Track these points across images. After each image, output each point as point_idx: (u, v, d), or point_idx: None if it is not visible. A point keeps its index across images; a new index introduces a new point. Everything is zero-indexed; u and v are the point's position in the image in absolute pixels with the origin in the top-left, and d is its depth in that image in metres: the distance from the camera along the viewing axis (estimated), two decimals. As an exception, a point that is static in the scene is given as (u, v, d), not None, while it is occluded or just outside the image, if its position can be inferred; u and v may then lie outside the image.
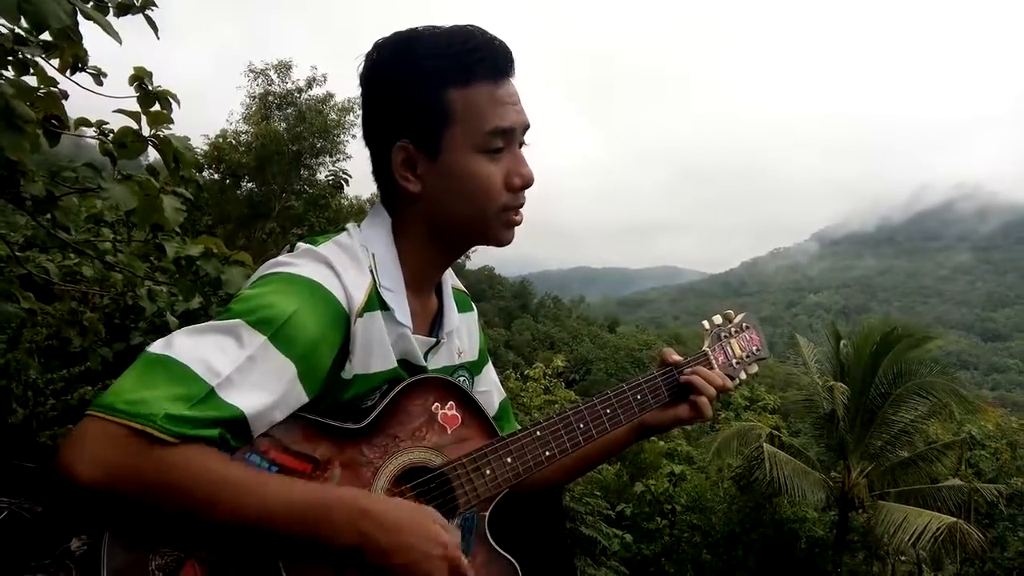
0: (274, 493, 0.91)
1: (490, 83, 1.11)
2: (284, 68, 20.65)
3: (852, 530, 13.06)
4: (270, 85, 20.69)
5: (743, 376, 1.53)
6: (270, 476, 0.95)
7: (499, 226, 1.16)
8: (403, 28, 1.16)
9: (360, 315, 1.06)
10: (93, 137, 1.97)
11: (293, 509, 0.91)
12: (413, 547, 0.96)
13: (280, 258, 1.10)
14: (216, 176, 19.18)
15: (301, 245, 1.12)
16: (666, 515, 12.48)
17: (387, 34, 1.16)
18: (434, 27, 1.14)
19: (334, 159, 20.00)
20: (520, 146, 1.17)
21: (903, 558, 13.35)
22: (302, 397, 1.00)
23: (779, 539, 12.85)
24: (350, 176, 15.86)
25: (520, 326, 54.05)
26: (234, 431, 0.92)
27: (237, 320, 0.96)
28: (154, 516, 0.88)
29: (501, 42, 1.13)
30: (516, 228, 1.19)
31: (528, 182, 1.15)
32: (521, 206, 1.17)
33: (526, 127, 1.16)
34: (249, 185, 19.93)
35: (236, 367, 0.92)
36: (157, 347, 0.92)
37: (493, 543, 1.16)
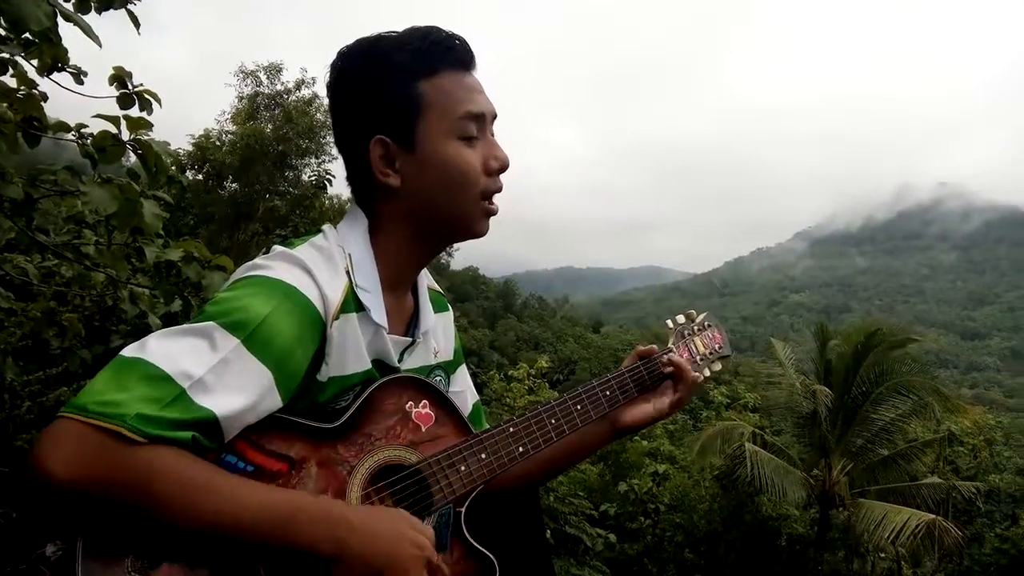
0: (248, 498, 0.93)
1: (456, 72, 1.16)
2: (275, 70, 20.56)
3: (833, 527, 13.17)
4: (259, 86, 20.62)
5: (707, 373, 1.57)
6: (244, 481, 0.96)
7: (478, 214, 1.19)
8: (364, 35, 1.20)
9: (336, 318, 1.08)
10: (73, 140, 1.97)
11: (267, 516, 0.93)
12: (390, 550, 0.99)
13: (256, 261, 1.11)
14: (200, 176, 19.05)
15: (277, 247, 1.13)
16: (649, 514, 12.53)
17: (349, 42, 1.19)
18: (393, 31, 1.18)
19: (319, 160, 19.93)
20: (491, 135, 1.20)
21: (883, 555, 13.48)
22: (276, 401, 1.01)
23: (761, 537, 12.94)
24: (333, 176, 15.82)
25: (504, 326, 54.08)
26: (206, 433, 0.93)
27: (211, 322, 0.97)
28: (127, 518, 0.89)
29: (461, 38, 1.18)
30: (492, 220, 1.22)
31: (505, 165, 1.19)
32: (499, 191, 1.20)
33: (494, 116, 1.20)
34: (233, 186, 19.79)
35: (209, 369, 0.93)
36: (131, 350, 0.93)
37: (470, 539, 1.18)
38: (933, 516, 11.16)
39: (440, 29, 1.17)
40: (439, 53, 1.14)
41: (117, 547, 0.90)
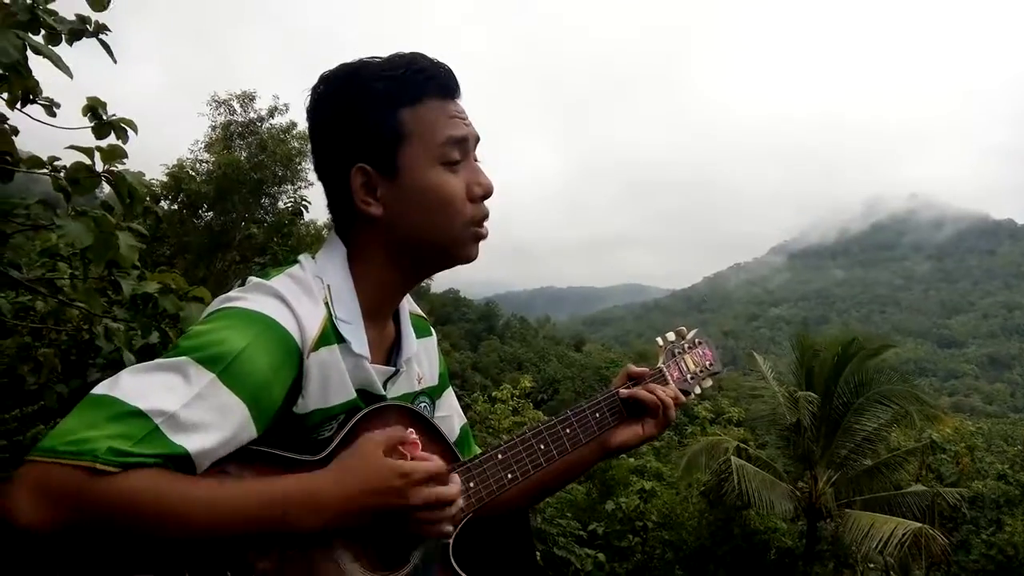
0: (225, 500, 0.92)
1: (439, 100, 1.14)
2: (247, 98, 20.54)
3: (821, 539, 13.19)
4: (232, 115, 20.57)
5: (698, 390, 1.56)
6: (217, 483, 0.95)
7: (467, 240, 1.17)
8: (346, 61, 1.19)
9: (314, 349, 1.06)
10: (46, 173, 1.94)
11: (248, 514, 0.93)
12: (383, 498, 1.01)
13: (231, 293, 1.09)
14: (175, 207, 18.92)
15: (252, 279, 1.11)
16: (638, 532, 12.48)
17: (331, 67, 1.18)
18: (376, 57, 1.17)
19: (296, 187, 19.89)
20: (475, 160, 1.19)
21: (872, 565, 13.50)
22: (252, 434, 0.99)
23: (750, 551, 12.91)
24: (309, 203, 15.79)
25: (487, 348, 53.98)
26: (177, 468, 0.91)
27: (184, 357, 0.95)
28: (105, 552, 0.87)
29: (445, 65, 1.17)
30: (481, 244, 1.20)
31: (488, 191, 1.17)
32: (486, 217, 1.18)
33: (478, 139, 1.18)
34: (208, 215, 19.67)
35: (182, 405, 0.91)
36: (102, 387, 0.91)
37: (457, 568, 1.16)
38: (919, 524, 11.19)
39: (424, 56, 1.16)
40: (422, 81, 1.13)
41: None
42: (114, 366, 2.76)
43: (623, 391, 1.40)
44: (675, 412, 1.41)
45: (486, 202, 1.19)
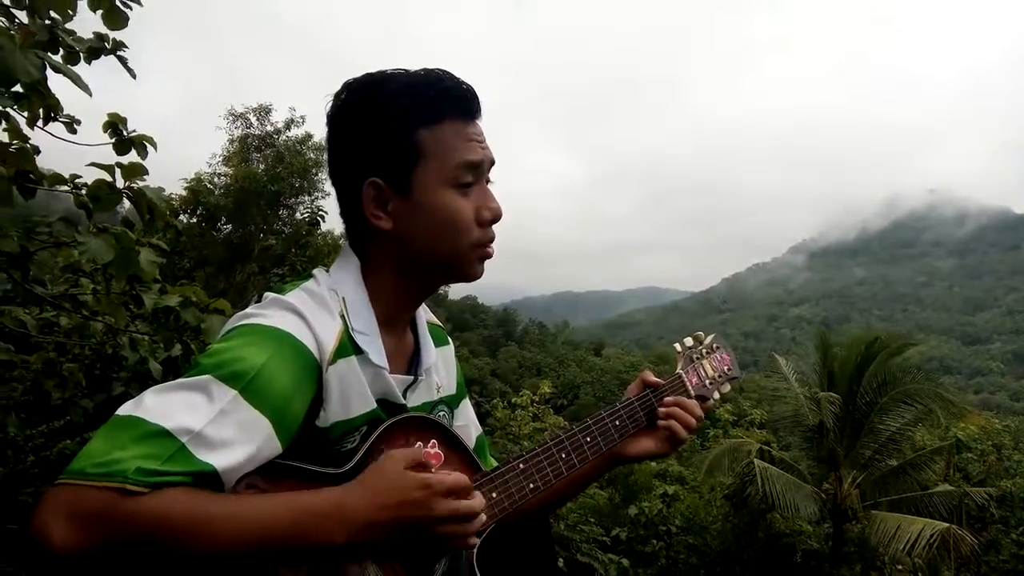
0: (253, 514, 0.91)
1: (458, 122, 1.15)
2: (264, 111, 20.70)
3: (847, 541, 13.03)
4: (249, 128, 20.74)
5: (716, 396, 1.56)
6: (245, 499, 0.95)
7: (472, 260, 1.18)
8: (373, 70, 1.19)
9: (332, 362, 1.07)
10: (68, 191, 1.97)
11: (277, 528, 0.91)
12: (405, 510, 0.98)
13: (248, 310, 1.10)
14: (194, 220, 19.09)
15: (269, 295, 1.12)
16: (661, 537, 12.40)
17: (356, 75, 1.18)
18: (403, 70, 1.17)
19: (312, 198, 20.02)
20: (487, 183, 1.20)
21: (900, 567, 13.32)
22: (276, 449, 0.99)
23: (775, 554, 12.80)
24: (326, 213, 15.87)
25: (505, 354, 54.07)
26: (206, 485, 0.91)
27: (206, 376, 0.95)
28: (137, 572, 0.87)
29: (469, 86, 1.17)
30: (487, 262, 1.21)
31: (497, 216, 1.18)
32: (492, 240, 1.19)
33: (492, 163, 1.19)
34: (227, 227, 19.84)
35: (208, 422, 0.91)
36: (126, 408, 0.92)
37: (482, 578, 1.16)
38: (947, 524, 11.03)
39: (449, 75, 1.16)
40: (445, 102, 1.13)
41: None
42: (138, 379, 2.79)
43: (646, 393, 1.42)
44: (693, 426, 1.41)
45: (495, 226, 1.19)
